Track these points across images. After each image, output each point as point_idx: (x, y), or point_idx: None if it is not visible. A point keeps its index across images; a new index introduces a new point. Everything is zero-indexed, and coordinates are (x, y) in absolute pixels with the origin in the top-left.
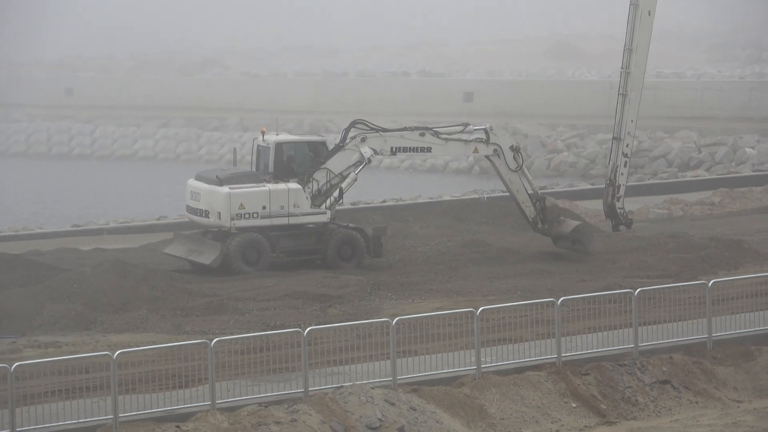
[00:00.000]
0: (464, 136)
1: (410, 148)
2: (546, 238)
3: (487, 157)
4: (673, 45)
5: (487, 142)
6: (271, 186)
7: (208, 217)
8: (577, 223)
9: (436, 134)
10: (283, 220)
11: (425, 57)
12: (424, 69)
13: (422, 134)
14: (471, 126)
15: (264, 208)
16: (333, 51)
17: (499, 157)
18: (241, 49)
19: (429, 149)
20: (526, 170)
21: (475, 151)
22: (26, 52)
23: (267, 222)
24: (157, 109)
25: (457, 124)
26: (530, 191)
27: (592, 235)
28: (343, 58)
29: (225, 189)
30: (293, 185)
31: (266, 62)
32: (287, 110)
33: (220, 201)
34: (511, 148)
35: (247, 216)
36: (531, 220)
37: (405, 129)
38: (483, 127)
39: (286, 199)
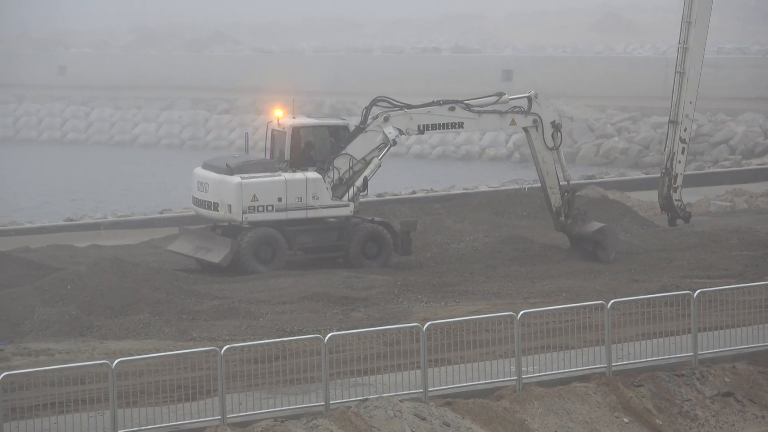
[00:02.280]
0: (499, 107)
1: (440, 124)
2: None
3: (524, 129)
4: (737, 17)
5: (526, 112)
6: (287, 175)
7: (218, 210)
8: (602, 224)
9: (468, 107)
10: (301, 214)
11: (459, 31)
12: (457, 44)
13: (452, 108)
14: (506, 96)
15: (279, 200)
16: (356, 24)
17: (537, 129)
18: (253, 23)
19: (461, 124)
20: (562, 154)
21: (512, 123)
22: (13, 26)
23: (283, 215)
24: (160, 89)
25: (490, 95)
26: (561, 179)
27: (617, 240)
28: (367, 32)
29: (236, 179)
30: (312, 174)
31: (281, 37)
32: (305, 91)
33: (231, 192)
34: (552, 123)
35: (260, 209)
36: (554, 209)
37: (432, 104)
38: (527, 94)
39: (305, 189)
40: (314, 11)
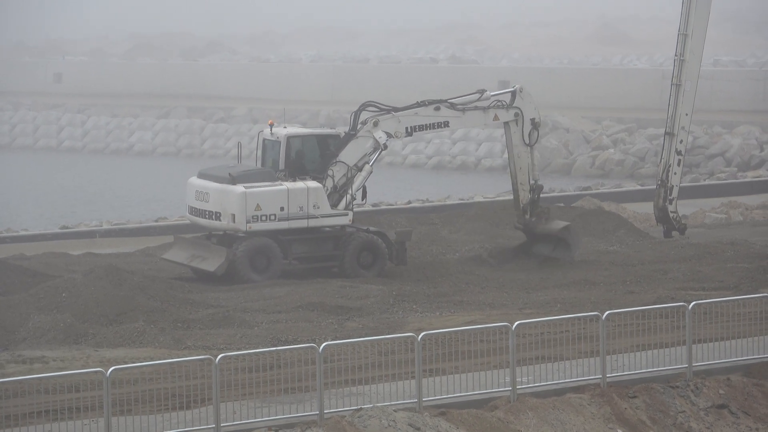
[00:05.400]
0: (482, 104)
1: (427, 125)
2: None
3: (504, 123)
4: (733, 29)
5: (508, 106)
6: (289, 185)
7: (220, 220)
8: (566, 223)
9: (452, 106)
10: (302, 223)
11: (456, 41)
12: (454, 55)
13: (437, 108)
14: (488, 92)
15: (282, 209)
16: (353, 34)
17: (516, 124)
18: (250, 32)
19: (447, 123)
20: (535, 153)
21: (495, 118)
22: (10, 34)
23: (285, 225)
24: (157, 97)
25: (473, 92)
26: (531, 178)
27: (581, 240)
28: (364, 42)
29: (239, 188)
30: (313, 184)
31: (278, 46)
32: (301, 100)
33: (235, 202)
34: (532, 121)
35: (263, 218)
36: (522, 206)
37: (418, 105)
38: (511, 89)
39: (306, 199)
40: (311, 21)
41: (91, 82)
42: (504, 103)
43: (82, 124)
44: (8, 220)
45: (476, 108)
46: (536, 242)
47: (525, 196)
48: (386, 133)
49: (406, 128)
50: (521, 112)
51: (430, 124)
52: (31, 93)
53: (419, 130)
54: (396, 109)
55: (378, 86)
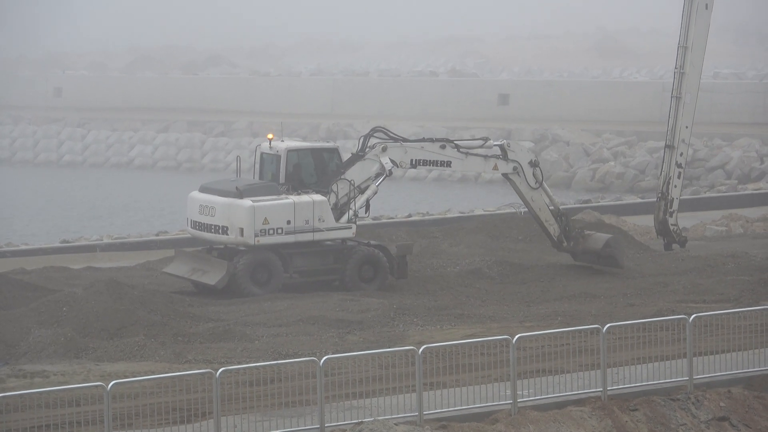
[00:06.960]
0: (484, 151)
1: (430, 161)
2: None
3: (505, 175)
4: (733, 42)
5: (506, 158)
6: (295, 198)
7: (227, 234)
8: (606, 236)
9: (457, 147)
10: (308, 236)
11: (456, 54)
12: (454, 68)
13: (443, 147)
14: (491, 141)
15: (288, 222)
16: (353, 47)
17: (518, 175)
18: (250, 46)
19: (449, 163)
20: (546, 186)
21: (495, 168)
22: (10, 48)
23: (291, 238)
24: (157, 111)
25: (477, 138)
26: (552, 208)
27: (624, 246)
28: (364, 55)
29: (248, 202)
30: (318, 197)
31: (278, 60)
32: (301, 113)
33: (243, 215)
34: (530, 163)
35: (270, 232)
36: (556, 238)
37: (425, 140)
38: (499, 143)
39: (311, 212)
40: (311, 34)
41: (91, 96)
42: (500, 155)
43: (82, 138)
44: (8, 234)
45: (478, 155)
46: (583, 255)
47: (555, 229)
48: (392, 160)
49: (411, 160)
50: (519, 164)
51: (433, 161)
52: (31, 107)
53: (422, 165)
54: (405, 140)
55: (378, 99)
